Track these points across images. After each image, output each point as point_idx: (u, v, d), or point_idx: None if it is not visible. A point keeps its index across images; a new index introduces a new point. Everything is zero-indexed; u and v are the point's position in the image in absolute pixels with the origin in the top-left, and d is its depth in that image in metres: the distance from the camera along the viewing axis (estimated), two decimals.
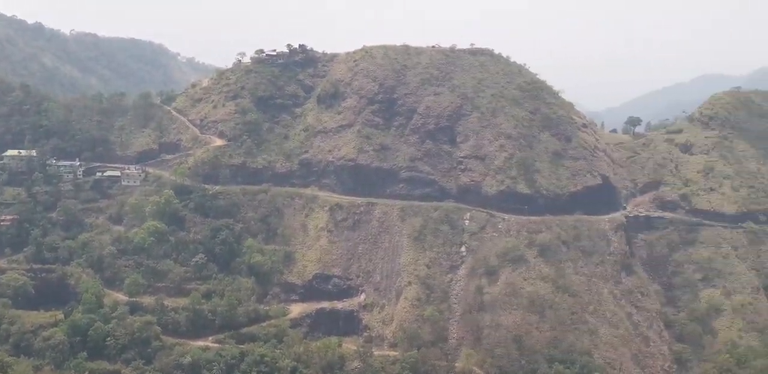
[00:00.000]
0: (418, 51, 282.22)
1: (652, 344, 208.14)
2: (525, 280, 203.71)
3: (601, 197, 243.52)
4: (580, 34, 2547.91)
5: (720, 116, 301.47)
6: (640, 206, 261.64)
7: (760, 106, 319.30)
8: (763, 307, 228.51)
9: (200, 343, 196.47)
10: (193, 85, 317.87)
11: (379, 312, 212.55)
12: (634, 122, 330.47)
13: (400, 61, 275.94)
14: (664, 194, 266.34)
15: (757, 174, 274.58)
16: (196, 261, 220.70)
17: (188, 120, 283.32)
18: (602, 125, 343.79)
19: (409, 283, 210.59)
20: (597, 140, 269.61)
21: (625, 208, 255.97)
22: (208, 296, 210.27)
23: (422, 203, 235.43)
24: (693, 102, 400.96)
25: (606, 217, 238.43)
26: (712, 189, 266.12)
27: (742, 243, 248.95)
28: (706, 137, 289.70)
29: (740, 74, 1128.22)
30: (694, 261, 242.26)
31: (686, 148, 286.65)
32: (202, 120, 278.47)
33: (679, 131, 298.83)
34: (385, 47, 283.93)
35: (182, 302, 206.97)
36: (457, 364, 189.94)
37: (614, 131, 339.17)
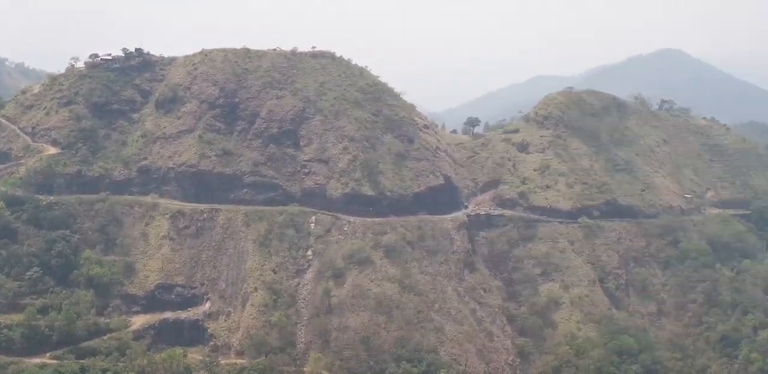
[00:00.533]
0: (259, 54, 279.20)
1: (495, 339, 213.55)
2: (372, 281, 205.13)
3: (443, 197, 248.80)
4: (419, 34, 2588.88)
5: (554, 116, 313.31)
6: (481, 205, 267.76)
7: (591, 105, 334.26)
8: (599, 299, 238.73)
9: (37, 360, 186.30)
10: (24, 92, 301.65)
11: (225, 320, 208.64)
12: (472, 122, 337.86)
13: (240, 64, 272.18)
14: (503, 193, 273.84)
15: (590, 171, 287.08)
16: (31, 275, 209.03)
17: (19, 128, 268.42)
18: (443, 125, 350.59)
19: (255, 289, 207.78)
20: (438, 140, 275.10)
21: (466, 207, 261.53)
22: (44, 311, 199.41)
23: (267, 208, 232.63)
24: (528, 102, 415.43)
25: (449, 216, 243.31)
26: (548, 186, 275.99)
27: (578, 238, 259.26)
28: (541, 136, 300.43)
29: (572, 74, 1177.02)
30: (533, 257, 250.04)
31: (523, 147, 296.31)
32: (33, 128, 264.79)
33: (516, 131, 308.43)
34: (225, 50, 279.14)
35: (17, 318, 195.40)
36: (305, 369, 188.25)
37: (454, 131, 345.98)
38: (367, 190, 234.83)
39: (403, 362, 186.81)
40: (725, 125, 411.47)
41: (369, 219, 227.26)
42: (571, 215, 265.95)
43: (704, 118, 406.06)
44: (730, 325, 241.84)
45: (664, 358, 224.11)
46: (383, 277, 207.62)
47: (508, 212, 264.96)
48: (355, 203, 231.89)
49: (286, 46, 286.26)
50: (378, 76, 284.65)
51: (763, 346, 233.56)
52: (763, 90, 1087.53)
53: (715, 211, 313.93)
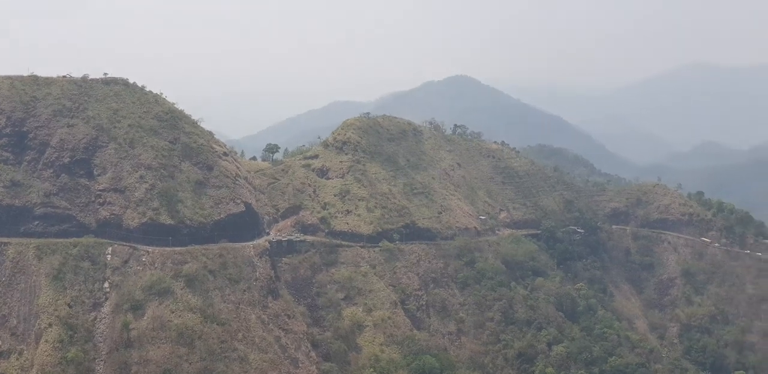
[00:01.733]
0: (48, 81, 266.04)
1: (300, 365, 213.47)
2: (173, 312, 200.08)
3: (245, 225, 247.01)
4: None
5: (352, 141, 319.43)
6: (282, 231, 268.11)
7: (388, 130, 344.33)
8: (401, 320, 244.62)
9: None
10: None
11: (18, 359, 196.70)
12: (272, 149, 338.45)
13: (28, 92, 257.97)
14: (304, 218, 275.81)
15: (388, 195, 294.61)
16: None
17: None
18: (242, 153, 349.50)
19: (50, 325, 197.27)
20: (238, 168, 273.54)
21: (268, 233, 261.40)
22: None
23: (60, 240, 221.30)
24: (326, 128, 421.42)
25: (251, 243, 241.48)
26: (348, 211, 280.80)
27: (380, 261, 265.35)
28: (340, 162, 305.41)
29: (368, 100, 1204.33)
30: (336, 281, 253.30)
31: (323, 172, 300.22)
32: None
33: (315, 157, 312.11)
34: (10, 78, 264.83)
35: None
36: None
37: (254, 158, 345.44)
38: (166, 219, 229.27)
39: None
40: (515, 148, 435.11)
41: (169, 249, 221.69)
42: (372, 239, 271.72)
43: (495, 142, 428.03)
44: (525, 341, 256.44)
45: None
46: (184, 307, 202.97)
47: (310, 238, 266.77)
48: (154, 233, 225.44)
49: (77, 73, 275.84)
50: (174, 103, 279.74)
51: (557, 361, 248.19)
52: (548, 114, 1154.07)
53: (508, 231, 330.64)
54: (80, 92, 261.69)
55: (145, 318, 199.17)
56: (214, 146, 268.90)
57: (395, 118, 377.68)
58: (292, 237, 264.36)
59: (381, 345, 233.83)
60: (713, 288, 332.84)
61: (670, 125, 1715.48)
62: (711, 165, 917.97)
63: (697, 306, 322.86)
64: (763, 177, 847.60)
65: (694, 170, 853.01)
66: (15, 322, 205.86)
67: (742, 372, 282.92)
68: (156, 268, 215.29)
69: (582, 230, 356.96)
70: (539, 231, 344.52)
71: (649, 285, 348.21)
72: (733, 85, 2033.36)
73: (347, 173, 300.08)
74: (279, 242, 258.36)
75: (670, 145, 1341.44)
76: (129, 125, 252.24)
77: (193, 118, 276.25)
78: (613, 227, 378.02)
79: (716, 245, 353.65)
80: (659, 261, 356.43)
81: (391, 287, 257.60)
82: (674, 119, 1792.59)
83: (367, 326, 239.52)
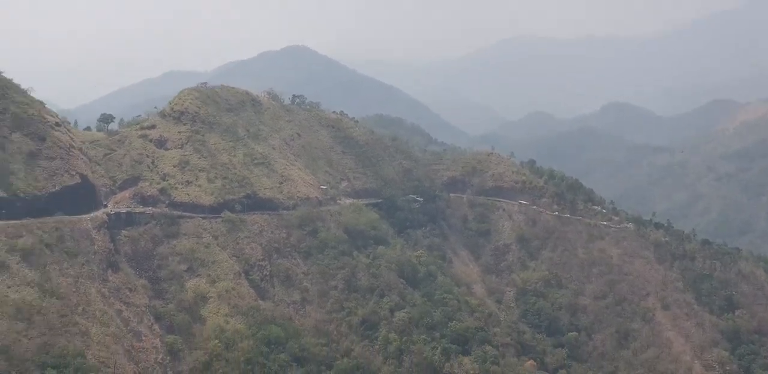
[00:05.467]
0: None
1: (143, 338, 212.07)
2: (9, 288, 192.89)
3: (81, 197, 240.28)
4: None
5: (190, 111, 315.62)
6: (121, 203, 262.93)
7: (226, 100, 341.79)
8: (245, 291, 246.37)
9: None
10: None
11: None
12: (107, 119, 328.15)
13: None
14: (143, 190, 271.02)
15: (229, 165, 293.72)
16: None
17: None
18: (75, 123, 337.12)
19: None
20: (72, 138, 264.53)
21: (106, 206, 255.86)
22: None
23: None
24: (163, 98, 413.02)
25: (88, 216, 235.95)
26: (189, 182, 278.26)
27: (222, 232, 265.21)
28: (179, 132, 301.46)
29: (205, 70, 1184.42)
30: (178, 253, 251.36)
31: (161, 143, 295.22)
32: None
33: (153, 127, 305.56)
34: None
35: None
36: None
37: (88, 129, 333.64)
38: None
39: (48, 368, 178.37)
40: (354, 118, 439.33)
41: (2, 222, 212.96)
42: (214, 210, 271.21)
43: (334, 112, 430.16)
44: (369, 309, 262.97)
45: (310, 344, 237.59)
46: (21, 282, 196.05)
47: (150, 210, 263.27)
48: None
49: None
50: (1, 72, 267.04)
51: (399, 327, 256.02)
52: (385, 84, 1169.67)
53: (350, 201, 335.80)
54: None
55: None
56: (46, 116, 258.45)
57: (233, 88, 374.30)
58: (130, 209, 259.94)
59: (225, 316, 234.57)
60: (547, 252, 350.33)
61: (500, 96, 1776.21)
62: (540, 134, 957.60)
63: (532, 271, 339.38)
64: (589, 145, 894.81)
65: (525, 140, 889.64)
66: None
67: (575, 333, 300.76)
68: None
69: (421, 199, 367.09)
70: (380, 200, 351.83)
71: (486, 251, 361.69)
72: (558, 57, 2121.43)
73: (186, 143, 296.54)
74: (117, 214, 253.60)
75: (501, 116, 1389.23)
76: None
77: (22, 87, 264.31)
78: (451, 195, 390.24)
79: (549, 212, 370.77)
80: (495, 228, 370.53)
81: (234, 258, 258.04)
82: (504, 91, 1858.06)
83: (211, 297, 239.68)
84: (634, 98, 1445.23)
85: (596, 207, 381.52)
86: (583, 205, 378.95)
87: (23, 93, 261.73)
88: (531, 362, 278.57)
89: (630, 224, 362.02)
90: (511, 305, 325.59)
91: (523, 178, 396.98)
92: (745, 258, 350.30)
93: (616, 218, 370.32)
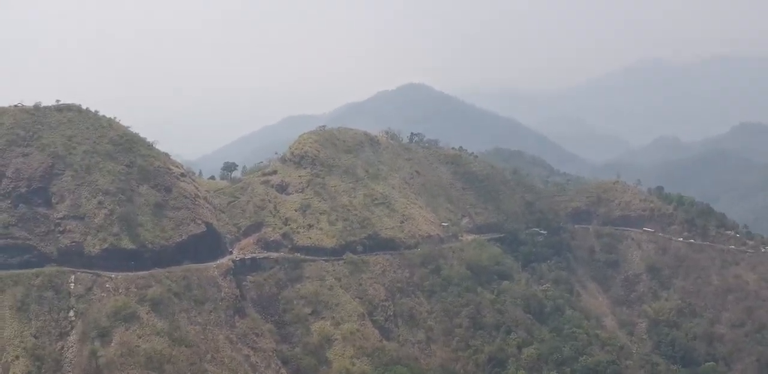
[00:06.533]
0: (0, 111, 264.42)
1: None
2: (140, 338, 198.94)
3: (207, 245, 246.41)
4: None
5: (310, 155, 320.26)
6: (245, 249, 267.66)
7: (345, 142, 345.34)
8: (370, 332, 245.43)
9: None
10: None
11: None
12: (229, 167, 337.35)
13: None
14: (266, 235, 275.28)
15: (349, 207, 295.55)
16: None
17: None
18: (200, 172, 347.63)
19: (17, 357, 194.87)
20: (197, 188, 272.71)
21: (231, 253, 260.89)
22: None
23: (22, 271, 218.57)
24: (282, 143, 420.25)
25: (214, 263, 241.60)
26: (311, 226, 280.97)
27: (344, 274, 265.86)
28: (299, 176, 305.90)
29: (322, 113, 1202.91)
30: (302, 296, 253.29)
31: (282, 188, 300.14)
32: None
33: (274, 173, 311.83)
34: None
35: None
36: None
37: (212, 177, 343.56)
38: (127, 243, 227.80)
39: None
40: (473, 153, 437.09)
41: (132, 273, 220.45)
42: (336, 252, 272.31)
43: (452, 148, 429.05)
44: (495, 346, 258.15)
45: None
46: (151, 332, 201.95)
47: (273, 254, 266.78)
48: (116, 259, 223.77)
49: (29, 102, 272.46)
50: (128, 127, 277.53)
51: (528, 363, 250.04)
52: (503, 117, 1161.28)
53: (472, 236, 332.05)
54: (33, 121, 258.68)
55: (112, 344, 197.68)
56: (171, 167, 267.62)
57: (351, 129, 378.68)
58: (255, 255, 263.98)
59: (351, 358, 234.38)
60: (679, 281, 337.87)
61: (623, 122, 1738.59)
62: (668, 160, 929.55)
63: (664, 301, 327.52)
64: (718, 169, 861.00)
65: (652, 166, 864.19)
66: None
67: (712, 363, 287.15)
68: (120, 294, 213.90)
69: (545, 232, 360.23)
70: (502, 235, 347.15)
71: (615, 282, 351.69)
72: (681, 81, 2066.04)
73: (307, 187, 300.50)
74: (242, 260, 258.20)
75: (625, 142, 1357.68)
76: (84, 151, 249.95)
77: (148, 140, 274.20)
78: (576, 226, 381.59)
79: (680, 239, 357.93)
80: (624, 258, 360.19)
81: (357, 299, 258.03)
82: (627, 117, 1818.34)
83: (336, 339, 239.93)
84: (765, 119, 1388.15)
85: (729, 232, 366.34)
86: (715, 230, 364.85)
87: (149, 146, 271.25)
88: None
89: (767, 248, 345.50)
90: (644, 336, 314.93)
91: (651, 205, 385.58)
92: None
93: (751, 243, 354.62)
